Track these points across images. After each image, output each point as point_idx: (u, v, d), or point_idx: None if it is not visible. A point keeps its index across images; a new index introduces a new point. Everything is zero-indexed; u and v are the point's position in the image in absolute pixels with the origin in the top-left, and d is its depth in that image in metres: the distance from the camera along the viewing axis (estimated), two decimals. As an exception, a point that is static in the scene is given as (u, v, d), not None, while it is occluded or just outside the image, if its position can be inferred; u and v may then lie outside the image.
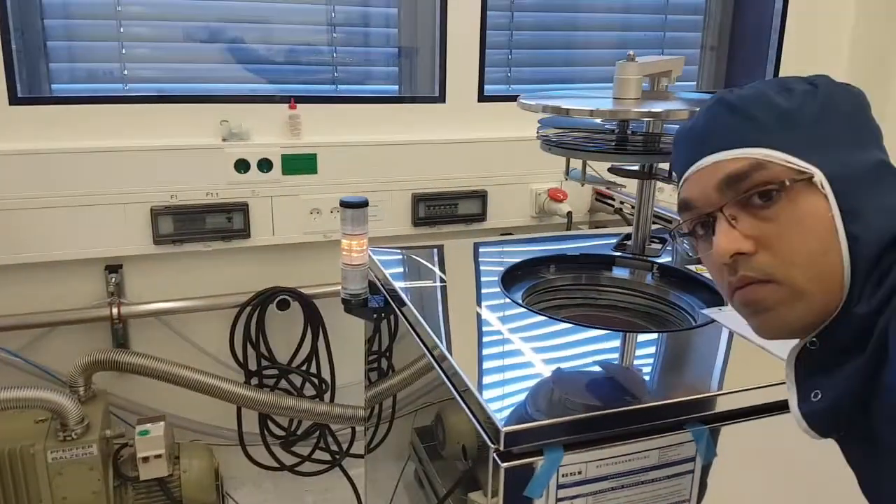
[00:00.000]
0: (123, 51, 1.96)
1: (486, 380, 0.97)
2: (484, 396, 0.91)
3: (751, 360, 1.05)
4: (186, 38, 2.01)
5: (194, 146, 1.93)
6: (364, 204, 1.37)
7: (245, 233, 2.00)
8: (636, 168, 1.28)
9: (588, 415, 0.88)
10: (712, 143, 0.69)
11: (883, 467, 0.69)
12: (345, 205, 1.37)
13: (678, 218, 0.76)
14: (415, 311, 1.19)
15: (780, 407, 0.98)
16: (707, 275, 1.34)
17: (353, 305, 1.39)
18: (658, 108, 1.09)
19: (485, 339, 1.11)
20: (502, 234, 2.13)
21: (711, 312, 1.16)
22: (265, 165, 1.98)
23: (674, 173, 0.79)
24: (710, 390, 0.95)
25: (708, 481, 0.97)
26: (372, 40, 2.23)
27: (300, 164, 2.02)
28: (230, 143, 1.96)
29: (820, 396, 0.69)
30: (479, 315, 1.19)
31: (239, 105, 2.00)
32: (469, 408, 0.95)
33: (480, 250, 1.57)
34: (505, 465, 0.85)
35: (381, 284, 1.41)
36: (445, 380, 1.03)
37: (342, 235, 1.39)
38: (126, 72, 1.97)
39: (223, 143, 1.96)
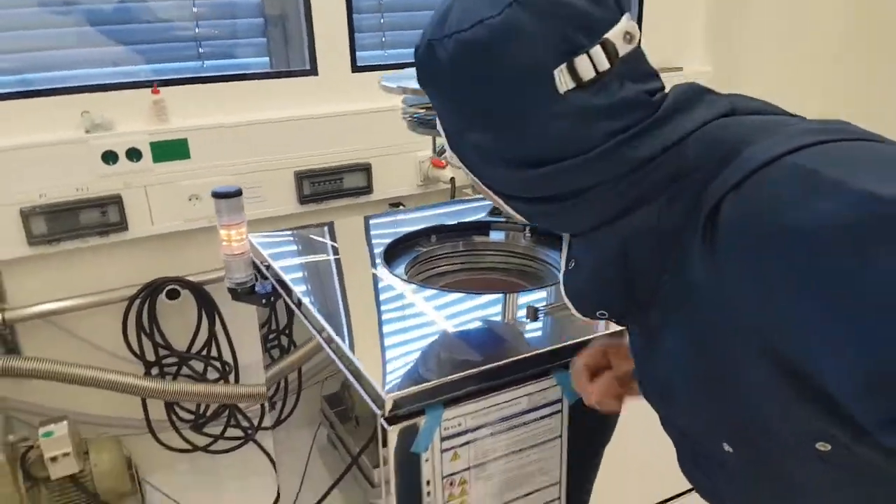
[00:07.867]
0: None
1: (373, 355, 1.05)
2: (369, 369, 0.99)
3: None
4: (38, 23, 1.89)
5: (57, 141, 1.85)
6: (237, 193, 1.38)
7: (122, 225, 1.95)
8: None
9: (462, 374, 0.98)
10: None
11: (657, 364, 0.72)
12: (217, 195, 1.38)
13: None
14: (299, 295, 1.25)
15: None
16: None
17: (241, 294, 1.42)
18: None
19: (368, 315, 1.19)
20: (391, 205, 2.18)
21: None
22: (134, 155, 1.93)
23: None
24: (570, 338, 1.07)
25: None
26: (238, 11, 2.14)
27: (171, 149, 1.98)
28: (94, 134, 1.89)
29: (574, 264, 0.73)
30: (364, 293, 1.26)
31: (98, 94, 1.92)
32: (358, 382, 1.03)
33: (371, 222, 1.62)
34: (391, 427, 0.95)
35: (266, 270, 1.44)
36: (335, 359, 1.11)
37: (219, 226, 1.40)
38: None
39: (87, 135, 1.89)
